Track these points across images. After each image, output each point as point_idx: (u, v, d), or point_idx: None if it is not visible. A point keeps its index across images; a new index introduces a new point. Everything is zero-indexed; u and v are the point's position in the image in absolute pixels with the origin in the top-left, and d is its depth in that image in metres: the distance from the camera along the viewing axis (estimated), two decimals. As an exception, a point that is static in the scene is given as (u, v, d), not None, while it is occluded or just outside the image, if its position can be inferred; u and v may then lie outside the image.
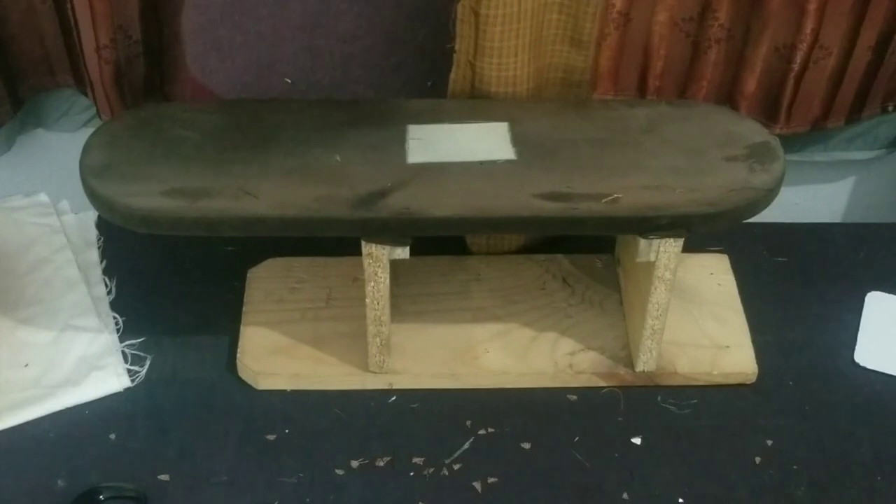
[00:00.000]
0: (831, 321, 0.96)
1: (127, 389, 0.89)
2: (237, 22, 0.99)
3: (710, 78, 1.56)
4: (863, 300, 0.98)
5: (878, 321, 0.96)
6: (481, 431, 0.87)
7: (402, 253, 0.81)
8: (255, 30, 0.98)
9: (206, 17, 1.01)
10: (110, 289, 0.98)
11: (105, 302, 0.96)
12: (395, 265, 0.82)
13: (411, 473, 0.84)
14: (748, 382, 0.91)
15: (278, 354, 0.91)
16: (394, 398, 0.90)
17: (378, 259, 0.81)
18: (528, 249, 1.01)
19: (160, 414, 0.88)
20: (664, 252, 0.81)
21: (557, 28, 0.92)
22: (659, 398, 0.90)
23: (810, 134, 1.64)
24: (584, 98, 0.98)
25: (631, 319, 0.93)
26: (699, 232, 0.80)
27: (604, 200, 0.80)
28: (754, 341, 0.93)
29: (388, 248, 0.80)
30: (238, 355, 0.91)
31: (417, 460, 0.85)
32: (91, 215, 1.03)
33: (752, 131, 0.88)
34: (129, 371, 0.90)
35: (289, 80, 0.89)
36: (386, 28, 0.95)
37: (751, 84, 1.53)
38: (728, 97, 1.58)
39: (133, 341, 0.93)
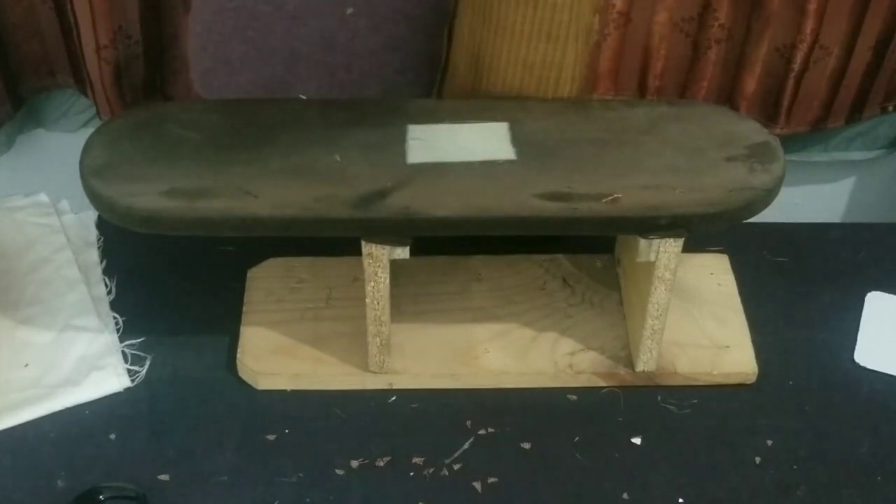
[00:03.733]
0: (831, 321, 0.96)
1: (127, 389, 0.89)
2: (250, 37, 0.99)
3: (710, 78, 1.56)
4: (863, 300, 0.98)
5: (878, 321, 0.96)
6: (481, 431, 0.87)
7: (402, 253, 0.81)
8: (269, 46, 0.97)
9: (216, 31, 1.01)
10: (110, 289, 0.98)
11: (105, 302, 0.96)
12: (395, 265, 0.82)
13: (411, 473, 0.84)
14: (748, 382, 0.91)
15: (278, 354, 0.91)
16: (394, 398, 0.90)
17: (378, 259, 0.81)
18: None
19: (160, 414, 0.88)
20: (664, 252, 0.82)
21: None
22: (659, 398, 0.90)
23: (810, 134, 1.65)
24: (585, 98, 0.98)
25: (631, 319, 0.93)
26: (699, 232, 0.80)
27: (604, 200, 0.80)
28: (754, 341, 0.93)
29: (388, 248, 0.80)
30: (238, 355, 0.91)
31: (417, 460, 0.85)
32: (91, 215, 1.03)
33: (752, 131, 0.88)
34: (129, 371, 0.90)
35: (303, 97, 0.89)
36: (403, 44, 0.95)
37: (751, 84, 1.53)
38: (728, 97, 1.58)
39: (133, 341, 0.93)
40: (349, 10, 0.91)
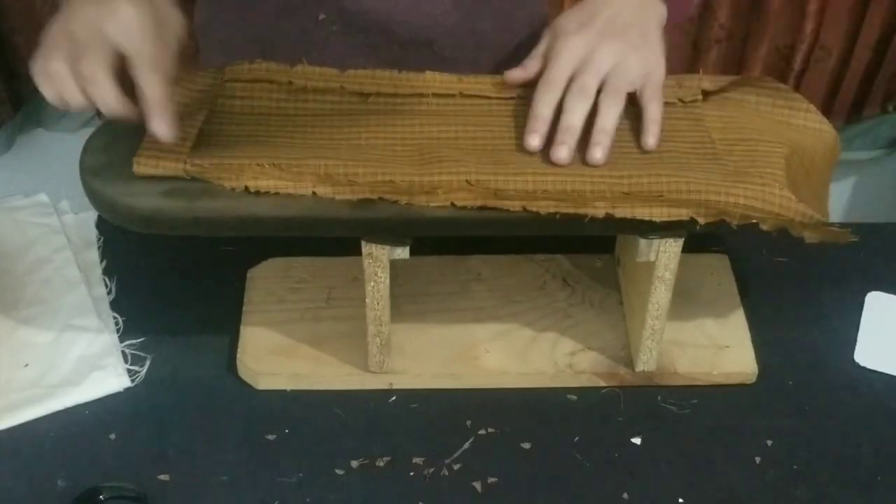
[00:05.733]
0: (831, 321, 0.96)
1: (127, 389, 0.89)
2: (237, 25, 1.00)
3: (710, 78, 1.55)
4: (863, 300, 0.98)
5: (878, 321, 0.96)
6: (481, 431, 0.87)
7: (402, 253, 0.81)
8: (252, 35, 0.99)
9: (216, 18, 1.01)
10: (110, 289, 0.98)
11: (105, 302, 0.96)
12: (395, 265, 0.82)
13: (411, 473, 0.84)
14: (748, 382, 0.91)
15: (278, 354, 0.91)
16: (394, 398, 0.90)
17: (378, 259, 0.81)
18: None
19: (160, 414, 0.88)
20: (664, 252, 0.81)
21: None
22: (659, 398, 0.90)
23: (810, 134, 1.64)
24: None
25: (631, 319, 0.93)
26: (699, 232, 0.80)
27: (604, 200, 0.79)
28: (754, 341, 0.93)
29: (388, 248, 0.80)
30: (238, 355, 0.91)
31: (417, 460, 0.85)
32: (91, 215, 1.03)
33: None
34: (129, 371, 0.90)
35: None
36: (372, 53, 0.96)
37: (751, 84, 1.53)
38: (728, 97, 1.58)
39: (133, 341, 0.93)
40: (321, 16, 0.94)
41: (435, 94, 0.86)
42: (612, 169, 0.79)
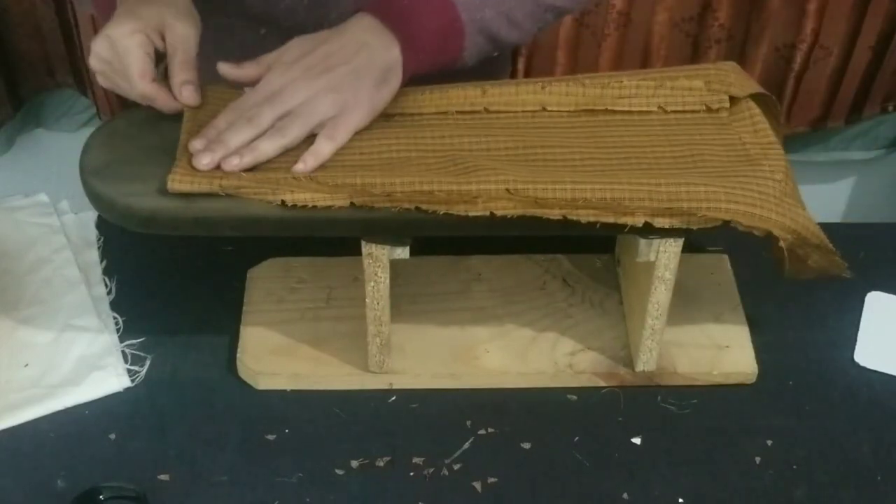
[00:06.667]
0: (831, 321, 0.97)
1: (127, 389, 0.89)
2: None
3: (710, 78, 1.55)
4: (863, 300, 0.98)
5: (878, 321, 0.96)
6: (481, 431, 0.87)
7: (402, 253, 0.81)
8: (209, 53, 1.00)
9: None
10: (110, 289, 0.98)
11: (105, 302, 0.96)
12: (395, 265, 0.82)
13: (411, 473, 0.84)
14: (748, 382, 0.91)
15: (278, 354, 0.91)
16: (394, 398, 0.90)
17: (378, 259, 0.81)
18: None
19: (160, 414, 0.88)
20: (664, 252, 0.82)
21: None
22: (659, 398, 0.90)
23: (810, 134, 1.65)
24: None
25: (631, 319, 0.93)
26: (699, 232, 0.80)
27: (604, 200, 0.80)
28: (754, 341, 0.93)
29: (388, 248, 0.80)
30: (238, 355, 0.91)
31: (417, 460, 0.85)
32: (91, 215, 1.03)
33: (753, 131, 0.88)
34: (129, 371, 0.90)
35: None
36: None
37: (751, 84, 1.53)
38: (728, 97, 1.57)
39: (133, 341, 0.93)
40: (262, 31, 0.95)
41: (459, 112, 0.86)
42: (650, 176, 0.79)
